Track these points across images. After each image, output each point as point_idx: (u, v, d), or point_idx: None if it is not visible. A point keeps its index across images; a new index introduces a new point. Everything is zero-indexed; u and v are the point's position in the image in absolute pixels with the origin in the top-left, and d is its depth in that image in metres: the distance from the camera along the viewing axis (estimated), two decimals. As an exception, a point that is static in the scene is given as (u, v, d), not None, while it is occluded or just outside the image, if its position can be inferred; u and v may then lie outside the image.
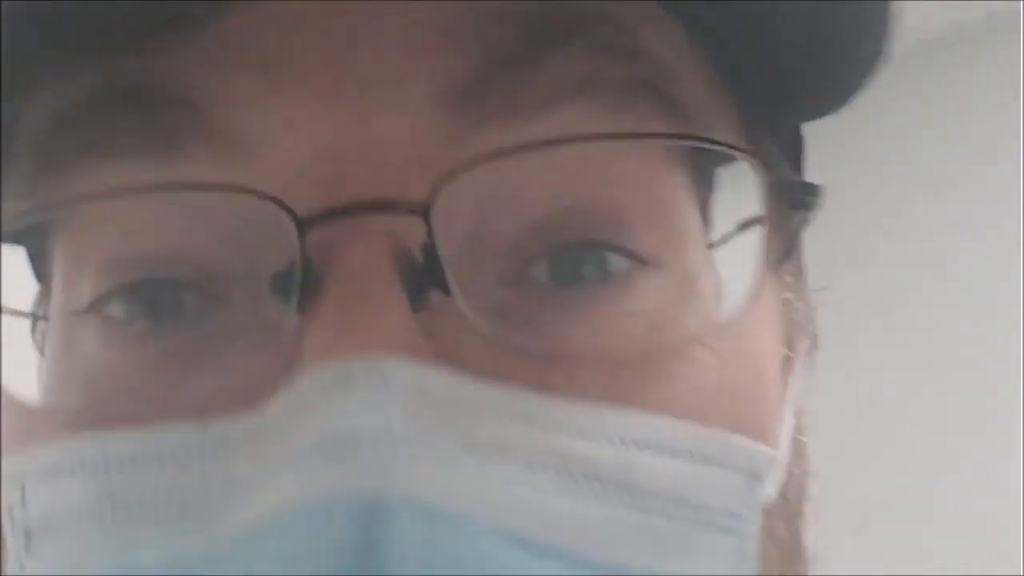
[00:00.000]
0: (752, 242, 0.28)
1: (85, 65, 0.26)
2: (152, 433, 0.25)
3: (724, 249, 0.28)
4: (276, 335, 0.25)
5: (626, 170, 0.27)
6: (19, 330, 0.28)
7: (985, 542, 1.79)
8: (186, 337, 0.27)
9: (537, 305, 0.26)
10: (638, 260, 0.27)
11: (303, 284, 0.25)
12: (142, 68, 0.26)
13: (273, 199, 0.25)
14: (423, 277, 0.25)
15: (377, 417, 0.23)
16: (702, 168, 0.28)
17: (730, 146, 0.28)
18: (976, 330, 1.88)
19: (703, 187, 0.28)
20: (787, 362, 0.31)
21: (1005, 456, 1.83)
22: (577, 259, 0.27)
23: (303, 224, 0.25)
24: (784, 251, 0.30)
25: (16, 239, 0.28)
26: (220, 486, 0.25)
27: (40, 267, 0.28)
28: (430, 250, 0.25)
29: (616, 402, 0.26)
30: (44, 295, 0.28)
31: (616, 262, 0.27)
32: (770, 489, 0.28)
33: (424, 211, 0.25)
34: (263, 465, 0.24)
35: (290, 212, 0.25)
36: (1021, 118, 1.84)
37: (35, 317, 0.28)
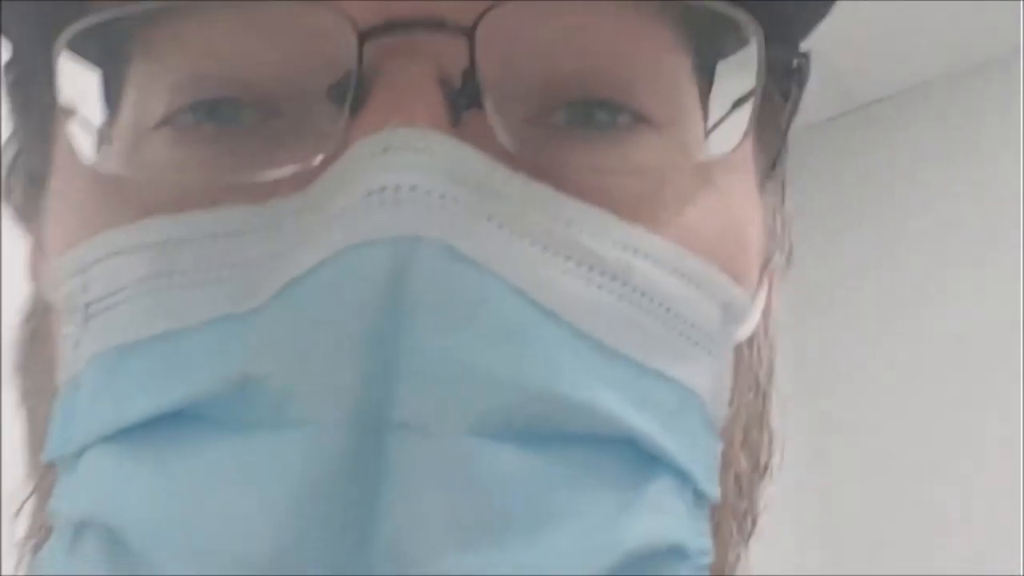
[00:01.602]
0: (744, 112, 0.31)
1: None
2: (209, 214, 0.28)
3: (719, 132, 0.32)
4: (329, 137, 0.27)
5: (640, 46, 0.30)
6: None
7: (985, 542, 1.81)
8: (245, 141, 0.29)
9: (554, 142, 0.29)
10: (643, 119, 0.30)
11: (357, 89, 0.27)
12: None
13: (334, 9, 0.28)
14: (461, 97, 0.28)
15: (419, 174, 0.25)
16: (705, 55, 0.32)
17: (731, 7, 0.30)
18: (973, 374, 1.91)
19: (704, 78, 0.32)
20: (764, 264, 0.34)
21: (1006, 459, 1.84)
22: (591, 110, 0.30)
23: (363, 34, 0.27)
24: (764, 115, 0.32)
25: (98, 61, 0.30)
26: (271, 254, 0.27)
27: (111, 92, 0.31)
28: (470, 72, 0.28)
29: None
30: (110, 120, 0.31)
31: (623, 116, 0.30)
32: (742, 331, 0.31)
33: (470, 32, 0.27)
34: (307, 230, 0.26)
35: (351, 22, 0.27)
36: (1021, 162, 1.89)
37: (102, 137, 0.31)
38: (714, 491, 0.29)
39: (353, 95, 0.27)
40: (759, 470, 0.34)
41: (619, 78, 0.30)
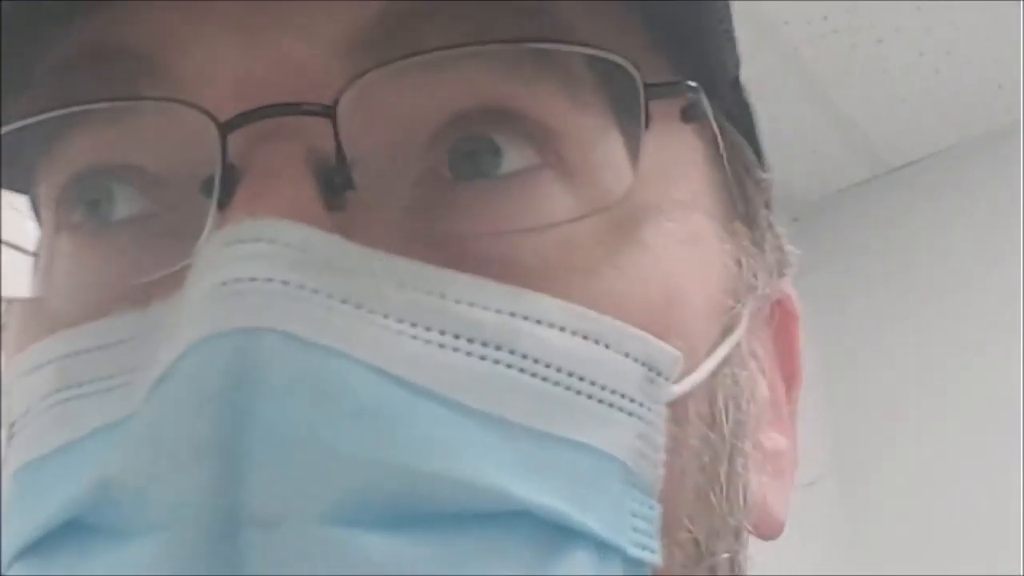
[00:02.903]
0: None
1: (49, 31, 0.30)
2: (99, 325, 0.28)
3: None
4: (201, 230, 0.27)
5: (522, 83, 0.29)
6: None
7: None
8: (136, 239, 0.30)
9: (444, 202, 0.28)
10: (537, 144, 0.29)
11: (222, 182, 0.27)
12: (91, 23, 0.29)
13: (195, 106, 0.28)
14: (335, 175, 0.27)
15: (261, 266, 0.25)
16: (625, 101, 0.29)
17: (600, 48, 0.29)
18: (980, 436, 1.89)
19: (629, 120, 0.30)
20: (730, 312, 0.32)
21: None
22: (474, 149, 0.29)
23: (223, 128, 0.27)
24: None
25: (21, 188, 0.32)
26: (147, 356, 0.26)
27: (37, 209, 0.33)
28: (338, 150, 0.27)
29: None
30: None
31: (514, 157, 0.29)
32: (675, 388, 0.29)
33: (329, 111, 0.27)
34: (173, 327, 0.26)
35: (211, 117, 0.27)
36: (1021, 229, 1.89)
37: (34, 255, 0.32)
38: (652, 556, 0.27)
39: (220, 189, 0.27)
40: (724, 533, 0.31)
41: (503, 113, 0.29)
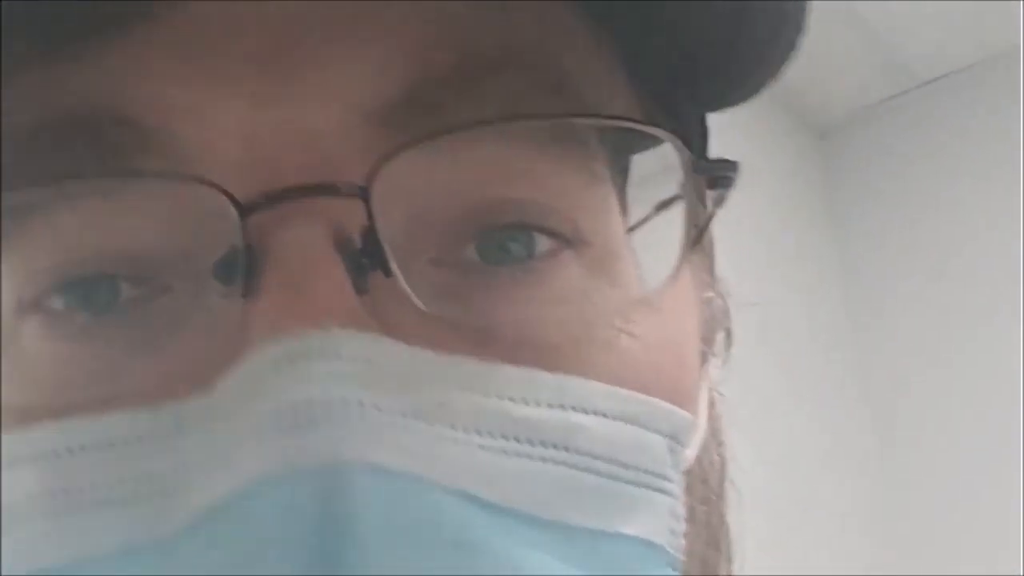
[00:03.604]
0: (671, 222, 0.29)
1: (18, 78, 0.26)
2: (102, 420, 0.25)
3: (643, 233, 0.30)
4: (221, 320, 0.25)
5: (551, 167, 0.28)
6: None
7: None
8: (130, 328, 0.27)
9: (469, 285, 0.27)
10: (563, 239, 0.28)
11: (247, 268, 0.25)
12: (78, 85, 0.26)
13: (214, 184, 0.25)
14: (363, 259, 0.25)
15: (332, 387, 0.23)
16: (619, 161, 0.30)
17: (653, 125, 0.29)
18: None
19: (619, 176, 0.30)
20: (703, 354, 0.32)
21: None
22: (504, 239, 0.28)
23: (244, 209, 0.25)
24: (698, 234, 0.30)
25: None
26: (173, 469, 0.24)
27: None
28: (370, 232, 0.25)
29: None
30: None
31: (541, 243, 0.28)
32: (689, 452, 0.29)
33: (364, 193, 0.25)
34: (217, 444, 0.24)
35: (230, 197, 0.25)
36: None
37: None
38: None
39: (244, 276, 0.25)
40: None
41: (531, 201, 0.28)
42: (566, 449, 0.26)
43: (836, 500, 1.87)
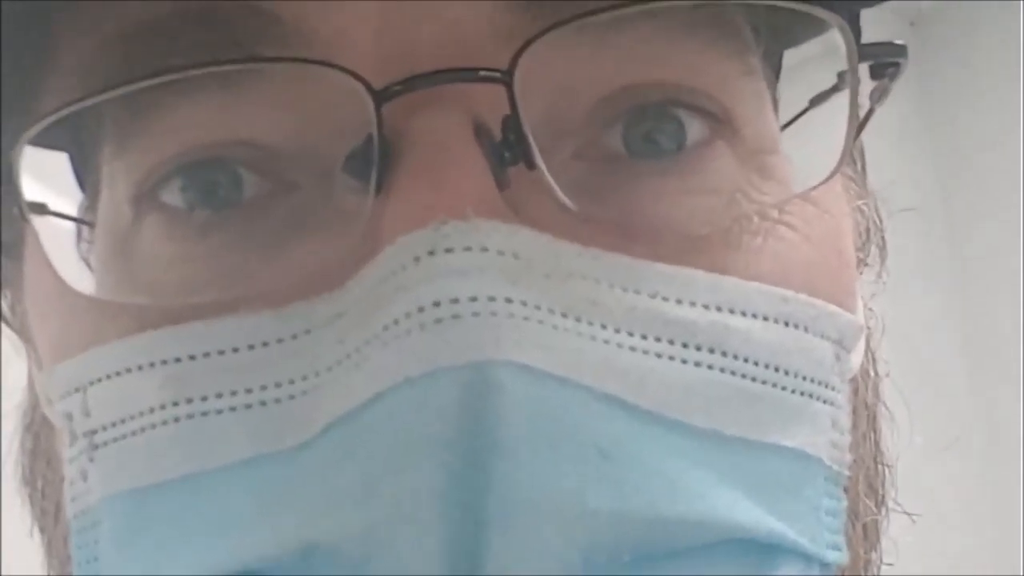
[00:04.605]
0: (830, 114, 0.27)
1: None
2: (224, 325, 0.24)
3: (798, 129, 0.28)
4: (354, 218, 0.24)
5: (702, 52, 0.26)
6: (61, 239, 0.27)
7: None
8: (254, 227, 0.25)
9: (615, 179, 0.26)
10: (714, 121, 0.26)
11: (380, 160, 0.23)
12: None
13: (347, 70, 0.24)
14: (505, 150, 0.24)
15: (477, 283, 0.22)
16: (772, 57, 0.28)
17: (815, 3, 0.26)
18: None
19: (772, 74, 0.28)
20: (859, 261, 0.31)
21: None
22: (651, 128, 0.26)
23: (380, 96, 0.23)
24: (859, 127, 0.28)
25: (63, 144, 0.27)
26: (303, 376, 0.23)
27: (86, 174, 0.27)
28: (512, 122, 0.24)
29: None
30: (90, 203, 0.27)
31: (691, 132, 0.26)
32: (855, 359, 0.27)
33: (506, 78, 0.24)
34: (351, 346, 0.23)
35: (365, 83, 0.23)
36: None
37: (82, 222, 0.27)
38: (842, 556, 0.26)
39: (378, 169, 0.23)
40: (881, 508, 0.30)
41: (680, 84, 0.26)
42: (723, 353, 0.24)
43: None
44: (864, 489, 0.28)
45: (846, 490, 0.27)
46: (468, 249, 0.22)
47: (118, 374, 0.25)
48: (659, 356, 0.24)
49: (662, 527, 0.23)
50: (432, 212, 0.22)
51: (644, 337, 0.24)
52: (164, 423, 0.24)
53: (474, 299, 0.22)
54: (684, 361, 0.24)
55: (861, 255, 0.31)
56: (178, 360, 0.24)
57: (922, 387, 1.77)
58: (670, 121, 0.26)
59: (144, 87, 0.24)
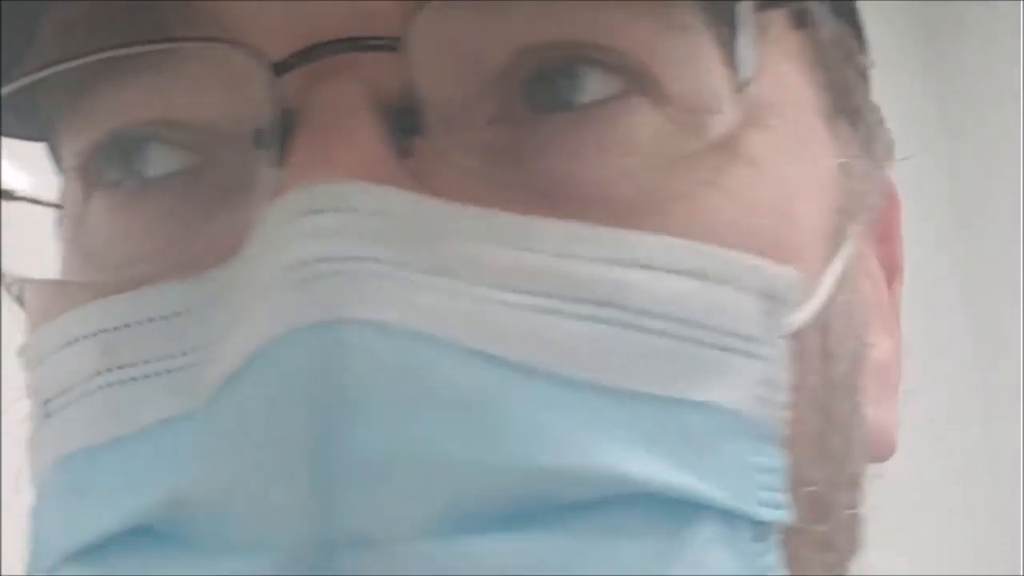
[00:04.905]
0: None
1: None
2: (148, 295, 0.25)
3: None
4: (259, 189, 0.25)
5: (613, 11, 0.26)
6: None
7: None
8: (181, 199, 0.27)
9: (525, 139, 0.25)
10: (625, 77, 0.26)
11: (280, 132, 0.24)
12: None
13: (243, 45, 0.25)
14: (404, 117, 0.24)
15: (341, 242, 0.22)
16: (721, 11, 0.26)
17: None
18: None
19: (725, 28, 0.27)
20: (840, 230, 0.29)
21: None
22: (557, 86, 0.26)
23: (276, 68, 0.24)
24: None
25: (37, 135, 0.29)
26: (209, 341, 0.24)
27: (59, 160, 0.30)
28: (407, 88, 0.24)
29: None
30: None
31: (598, 87, 0.26)
32: (799, 316, 0.26)
33: (396, 44, 0.24)
34: (236, 311, 0.23)
35: (261, 58, 0.24)
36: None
37: (55, 206, 0.29)
38: (782, 514, 0.25)
39: (279, 139, 0.24)
40: (842, 484, 0.28)
41: (587, 43, 0.26)
42: (620, 307, 0.24)
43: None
44: (811, 455, 0.27)
45: (787, 449, 0.26)
46: (336, 210, 0.23)
47: (67, 344, 0.27)
48: (545, 311, 0.23)
49: (540, 479, 0.22)
50: (316, 175, 0.23)
51: (530, 294, 0.23)
52: (99, 389, 0.26)
53: (337, 258, 0.22)
54: (576, 316, 0.24)
55: (846, 220, 0.30)
56: (114, 329, 0.26)
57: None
58: (576, 78, 0.26)
59: (76, 70, 0.26)
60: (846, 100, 0.31)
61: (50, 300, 0.28)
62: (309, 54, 0.24)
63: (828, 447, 0.28)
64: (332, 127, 0.24)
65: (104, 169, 0.28)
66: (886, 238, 0.34)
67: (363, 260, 0.22)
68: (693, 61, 0.26)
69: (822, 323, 0.27)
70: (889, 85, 0.35)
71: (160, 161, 0.27)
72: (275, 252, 0.23)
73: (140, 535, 0.24)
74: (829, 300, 0.28)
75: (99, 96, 0.27)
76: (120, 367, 0.25)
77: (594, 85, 0.26)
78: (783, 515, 0.25)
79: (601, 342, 0.24)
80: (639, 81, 0.26)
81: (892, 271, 0.34)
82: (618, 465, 0.23)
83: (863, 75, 0.32)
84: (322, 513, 0.21)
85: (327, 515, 0.21)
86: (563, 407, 0.23)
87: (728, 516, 0.24)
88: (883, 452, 0.31)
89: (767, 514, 0.25)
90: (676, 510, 0.23)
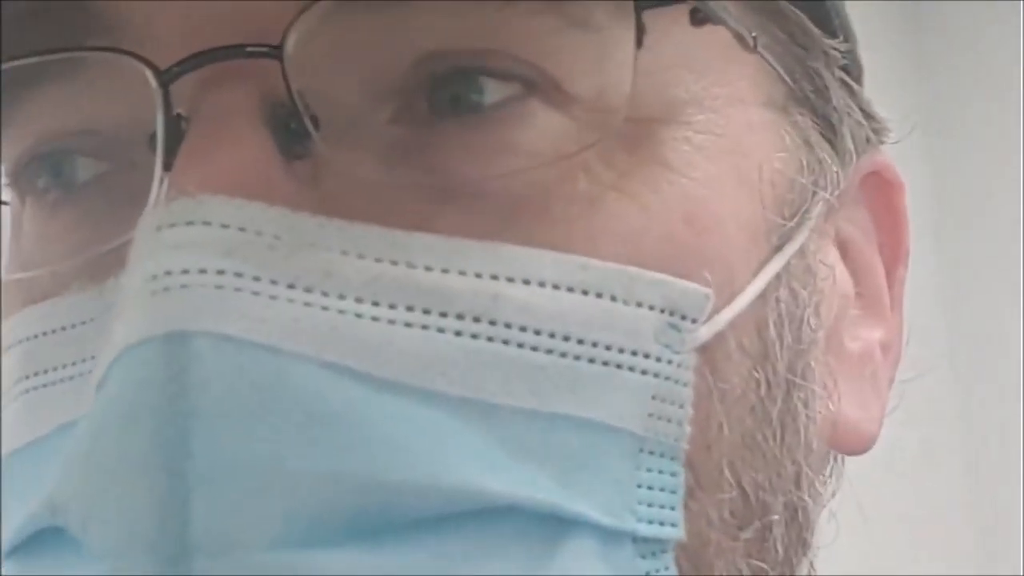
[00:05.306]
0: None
1: None
2: (63, 303, 0.27)
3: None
4: (152, 194, 0.25)
5: (497, 8, 0.25)
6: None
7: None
8: (93, 205, 0.28)
9: (424, 142, 0.25)
10: (522, 83, 0.25)
11: (169, 137, 0.24)
12: None
13: (135, 55, 0.25)
14: (293, 121, 0.24)
15: (190, 256, 0.22)
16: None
17: None
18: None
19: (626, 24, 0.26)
20: (782, 227, 0.28)
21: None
22: (454, 91, 0.25)
23: (163, 76, 0.25)
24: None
25: None
26: (100, 345, 0.24)
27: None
28: (289, 92, 0.24)
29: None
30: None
31: (496, 91, 0.25)
32: (703, 330, 0.25)
33: (275, 52, 0.24)
34: (112, 320, 0.24)
35: (150, 65, 0.25)
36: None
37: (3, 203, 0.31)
38: (672, 531, 0.25)
39: (164, 145, 0.25)
40: (780, 482, 0.28)
41: (482, 49, 0.25)
42: (491, 322, 0.23)
43: None
44: (740, 457, 0.26)
45: (691, 464, 0.25)
46: (190, 223, 0.23)
47: (8, 349, 0.28)
48: (406, 325, 0.23)
49: (391, 492, 0.22)
50: (193, 187, 0.23)
51: (393, 307, 0.23)
52: (21, 395, 0.27)
53: (186, 271, 0.22)
54: (440, 330, 0.23)
55: (779, 218, 0.28)
56: (34, 337, 0.27)
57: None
58: (475, 83, 0.25)
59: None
60: (807, 87, 0.30)
61: (5, 300, 0.29)
62: (193, 61, 0.25)
63: (759, 449, 0.27)
64: (215, 132, 0.24)
65: (33, 178, 0.29)
66: (888, 224, 0.33)
67: (208, 273, 0.22)
68: (596, 60, 0.26)
69: (755, 323, 0.27)
70: (868, 72, 0.34)
71: (79, 169, 0.28)
72: (135, 264, 0.23)
73: (53, 535, 0.25)
74: (762, 300, 0.27)
75: (22, 104, 0.28)
76: (35, 374, 0.27)
77: (493, 90, 0.25)
78: (673, 532, 0.24)
79: (471, 357, 0.23)
80: (539, 84, 0.25)
81: (895, 258, 0.33)
82: (476, 479, 0.23)
83: (831, 60, 0.31)
84: (174, 520, 0.21)
85: (179, 522, 0.21)
86: (421, 422, 0.23)
87: (604, 533, 0.24)
88: (856, 446, 0.31)
89: (651, 531, 0.24)
90: (546, 526, 0.23)
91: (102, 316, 0.25)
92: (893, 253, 0.33)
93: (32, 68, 0.27)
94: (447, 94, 0.25)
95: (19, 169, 0.29)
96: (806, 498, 0.29)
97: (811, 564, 0.30)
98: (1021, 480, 1.88)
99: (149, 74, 0.25)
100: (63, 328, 0.26)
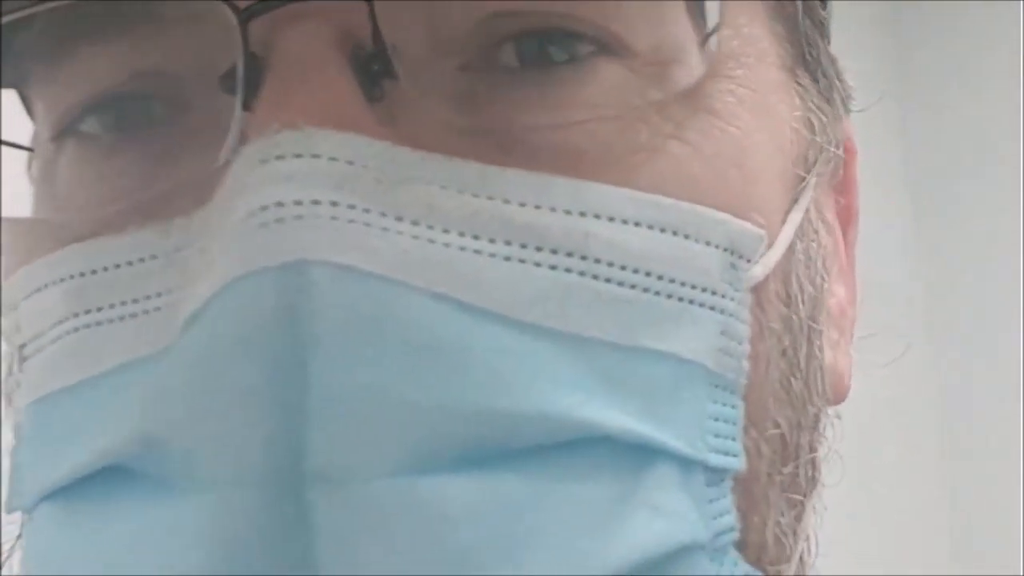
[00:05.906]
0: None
1: None
2: (118, 240, 0.26)
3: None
4: (228, 134, 0.25)
5: None
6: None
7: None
8: (153, 146, 0.27)
9: (495, 91, 0.26)
10: (593, 44, 0.26)
11: (247, 76, 0.24)
12: None
13: None
14: (373, 63, 0.25)
15: (302, 187, 0.22)
16: None
17: None
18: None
19: None
20: (800, 180, 0.30)
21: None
22: (524, 47, 0.26)
23: (243, 15, 0.25)
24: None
25: (11, 83, 0.30)
26: (177, 285, 0.25)
27: (31, 108, 0.30)
28: (376, 32, 0.24)
29: None
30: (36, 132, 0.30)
31: (567, 50, 0.26)
32: (758, 269, 0.27)
33: None
34: (204, 254, 0.24)
35: (229, 4, 0.25)
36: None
37: (28, 150, 0.30)
38: (734, 461, 0.26)
39: (244, 85, 0.25)
40: (805, 426, 0.29)
41: (551, 11, 0.26)
42: (582, 257, 0.24)
43: None
44: (777, 399, 0.28)
45: (745, 400, 0.26)
46: (298, 156, 0.23)
47: (38, 290, 0.27)
48: (505, 259, 0.24)
49: (500, 422, 0.23)
50: (282, 120, 0.23)
51: (491, 241, 0.24)
52: (68, 333, 0.26)
53: (298, 203, 0.22)
54: (536, 264, 0.24)
55: (804, 172, 0.30)
56: (81, 275, 0.26)
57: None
58: (543, 43, 0.26)
59: (56, 26, 0.27)
60: (807, 52, 0.32)
61: (24, 242, 0.28)
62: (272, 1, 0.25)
63: (791, 391, 0.28)
64: (299, 71, 0.24)
65: (78, 120, 0.28)
66: (843, 188, 0.35)
67: (321, 204, 0.22)
68: (657, 15, 0.27)
69: (783, 271, 0.28)
70: (845, 38, 0.36)
71: (135, 114, 0.28)
72: (238, 199, 0.23)
73: (112, 473, 0.25)
74: (789, 249, 0.29)
75: (78, 57, 0.28)
76: (88, 311, 0.26)
77: (560, 48, 0.26)
78: (735, 462, 0.26)
79: (565, 291, 0.24)
80: (605, 43, 0.26)
81: (847, 220, 0.35)
82: (577, 410, 0.23)
83: (823, 27, 0.33)
84: (290, 448, 0.22)
85: (295, 450, 0.22)
86: (524, 353, 0.23)
87: (683, 462, 0.25)
88: (839, 395, 0.32)
89: (719, 460, 0.25)
90: (633, 455, 0.24)
91: (170, 253, 0.25)
92: (846, 217, 0.35)
93: (90, 16, 0.26)
94: (514, 50, 0.26)
95: (71, 122, 0.28)
96: (820, 446, 0.30)
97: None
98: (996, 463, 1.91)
99: (229, 11, 0.25)
100: (118, 266, 0.26)
